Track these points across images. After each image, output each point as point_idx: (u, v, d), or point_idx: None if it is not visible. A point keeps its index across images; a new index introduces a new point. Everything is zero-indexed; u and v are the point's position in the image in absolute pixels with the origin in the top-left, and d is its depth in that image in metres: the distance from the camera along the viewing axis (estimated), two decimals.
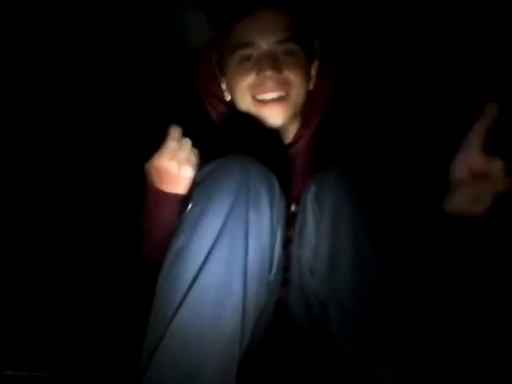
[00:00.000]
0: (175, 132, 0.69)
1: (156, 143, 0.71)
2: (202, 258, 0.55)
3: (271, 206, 0.61)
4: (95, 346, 0.76)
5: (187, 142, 0.70)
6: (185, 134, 0.71)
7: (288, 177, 0.81)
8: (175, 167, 0.69)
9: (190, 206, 0.61)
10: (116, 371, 0.69)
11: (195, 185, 0.65)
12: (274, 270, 0.65)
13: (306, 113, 0.86)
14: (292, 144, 0.85)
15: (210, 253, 0.55)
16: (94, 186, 1.03)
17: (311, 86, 0.85)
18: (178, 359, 0.52)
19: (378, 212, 0.61)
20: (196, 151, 0.71)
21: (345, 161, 0.71)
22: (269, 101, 0.78)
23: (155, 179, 0.72)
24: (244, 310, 0.56)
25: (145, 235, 0.78)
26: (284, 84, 0.78)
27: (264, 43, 0.77)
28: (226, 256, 0.56)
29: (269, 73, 0.76)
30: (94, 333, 0.79)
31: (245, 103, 0.81)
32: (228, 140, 0.82)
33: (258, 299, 0.60)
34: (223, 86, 0.86)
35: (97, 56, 1.09)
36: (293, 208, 0.79)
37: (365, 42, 1.11)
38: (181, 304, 0.54)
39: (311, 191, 0.65)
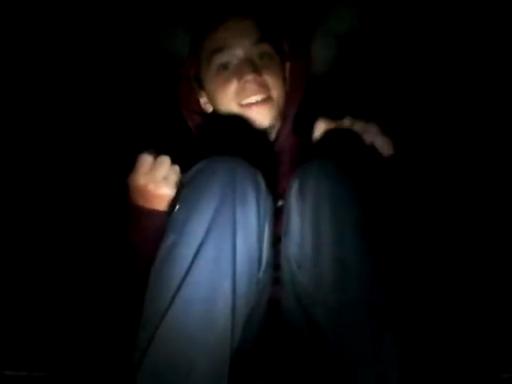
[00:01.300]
0: (149, 151, 0.69)
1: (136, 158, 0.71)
2: (190, 257, 0.56)
3: (258, 203, 0.61)
4: (94, 346, 0.76)
5: (165, 160, 0.69)
6: (168, 149, 0.71)
7: (275, 173, 0.82)
8: (152, 186, 0.69)
9: (177, 207, 0.61)
10: (115, 371, 0.70)
11: (182, 186, 0.65)
12: (264, 267, 0.66)
13: (283, 111, 0.88)
14: (275, 141, 0.88)
15: (198, 252, 0.56)
16: (87, 188, 1.03)
17: (287, 87, 0.87)
18: (170, 357, 0.52)
19: (358, 201, 0.62)
20: (177, 168, 0.70)
21: (326, 154, 0.70)
22: (254, 103, 0.80)
23: (133, 196, 0.72)
24: (234, 307, 0.56)
25: (132, 247, 0.78)
26: (265, 86, 0.80)
27: (239, 47, 0.80)
28: (214, 254, 0.56)
29: (250, 77, 0.78)
30: (93, 333, 0.79)
31: (231, 111, 0.83)
32: (213, 148, 0.82)
33: (248, 296, 0.60)
34: (203, 100, 0.88)
35: (84, 64, 1.09)
36: (280, 203, 0.79)
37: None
38: (171, 303, 0.54)
39: (294, 186, 0.66)
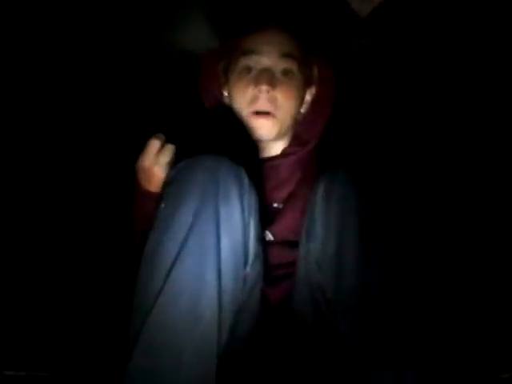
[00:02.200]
0: (158, 137, 0.74)
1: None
2: (175, 252, 0.57)
3: (241, 199, 0.63)
4: (94, 346, 0.76)
5: (171, 147, 0.74)
6: (173, 137, 0.74)
7: (273, 180, 0.85)
8: (155, 169, 0.73)
9: (162, 204, 0.63)
10: (115, 371, 0.69)
11: (166, 184, 0.67)
12: (251, 262, 0.66)
13: (302, 133, 0.90)
14: (279, 157, 0.88)
15: (182, 247, 0.57)
16: (84, 182, 1.04)
17: (303, 109, 0.89)
18: (157, 349, 0.53)
19: (382, 212, 0.65)
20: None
21: (349, 165, 0.74)
22: (258, 114, 0.82)
23: (140, 178, 0.77)
24: (220, 301, 0.57)
25: (135, 225, 0.82)
26: (273, 102, 0.81)
27: (267, 55, 0.82)
28: (198, 250, 0.58)
29: (264, 88, 0.80)
30: (93, 333, 0.79)
31: (242, 116, 0.84)
32: (216, 141, 0.85)
33: (235, 291, 0.61)
34: (225, 92, 0.90)
35: (93, 56, 1.10)
36: (275, 205, 0.84)
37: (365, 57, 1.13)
38: (156, 300, 0.55)
39: (320, 189, 0.68)
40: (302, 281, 0.73)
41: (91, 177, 1.04)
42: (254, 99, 0.81)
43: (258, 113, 0.82)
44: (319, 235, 0.68)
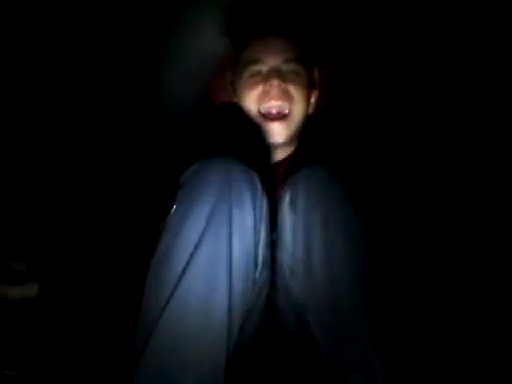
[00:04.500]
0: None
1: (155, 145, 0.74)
2: (186, 256, 0.57)
3: (254, 204, 0.63)
4: (94, 346, 0.76)
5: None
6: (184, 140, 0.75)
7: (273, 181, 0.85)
8: None
9: (174, 207, 0.62)
10: (115, 371, 0.70)
11: (179, 187, 0.66)
12: (260, 267, 0.67)
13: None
14: (284, 161, 0.90)
15: (194, 251, 0.57)
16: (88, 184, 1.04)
17: (310, 110, 0.91)
18: (166, 355, 0.53)
19: (347, 207, 0.64)
20: None
21: (314, 161, 0.73)
22: (273, 117, 0.83)
23: None
24: (230, 305, 0.57)
25: None
26: (287, 95, 0.84)
27: (271, 60, 0.86)
28: (210, 254, 0.57)
29: (275, 82, 0.82)
30: (93, 333, 0.79)
31: (250, 112, 0.86)
32: (226, 145, 0.85)
33: (245, 296, 0.61)
34: (234, 99, 0.92)
35: (100, 56, 1.10)
36: None
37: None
38: (168, 302, 0.55)
39: (286, 196, 0.68)
40: (281, 287, 0.72)
41: (91, 177, 1.04)
42: (264, 95, 0.83)
43: (270, 117, 0.83)
44: (289, 243, 0.68)
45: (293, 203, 0.66)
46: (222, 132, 0.89)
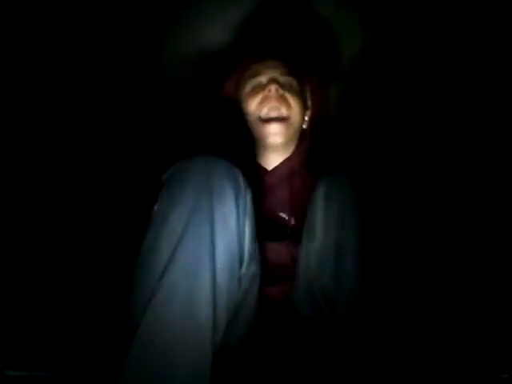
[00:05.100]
0: None
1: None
2: (169, 253, 0.57)
3: (236, 199, 0.63)
4: (95, 346, 0.76)
5: None
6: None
7: (277, 190, 0.89)
8: None
9: (156, 205, 0.63)
10: (115, 371, 0.69)
11: (162, 185, 0.67)
12: (246, 262, 0.67)
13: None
14: (278, 167, 0.92)
15: (176, 248, 0.57)
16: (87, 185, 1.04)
17: (305, 125, 0.94)
18: (153, 349, 0.53)
19: (380, 214, 0.67)
20: None
21: (348, 169, 0.79)
22: (272, 119, 0.87)
23: None
24: (215, 302, 0.57)
25: None
26: (285, 101, 0.88)
27: (270, 73, 0.91)
28: (192, 250, 0.58)
29: (273, 87, 0.87)
30: (94, 333, 0.79)
31: (251, 122, 0.90)
32: (218, 144, 0.90)
33: (230, 290, 0.62)
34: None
35: (98, 56, 1.10)
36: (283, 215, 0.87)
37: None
38: (152, 298, 0.55)
39: (320, 192, 0.70)
40: (302, 280, 0.74)
41: (91, 177, 1.04)
42: (263, 101, 0.88)
43: (269, 120, 0.87)
44: (319, 235, 0.69)
45: (327, 198, 0.69)
46: (216, 133, 0.94)
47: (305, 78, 0.96)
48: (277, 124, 0.87)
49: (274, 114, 0.87)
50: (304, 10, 1.13)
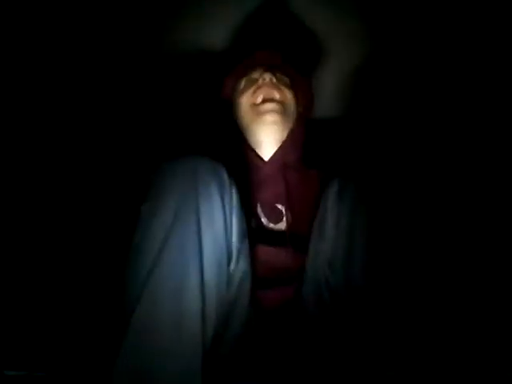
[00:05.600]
0: None
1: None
2: (156, 251, 0.58)
3: (222, 197, 0.64)
4: (94, 346, 0.76)
5: None
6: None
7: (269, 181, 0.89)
8: None
9: (144, 205, 0.64)
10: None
11: (148, 185, 0.67)
12: (235, 259, 0.67)
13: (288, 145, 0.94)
14: (269, 160, 0.92)
15: (163, 246, 0.58)
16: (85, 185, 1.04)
17: (294, 120, 0.95)
18: (143, 346, 0.54)
19: (392, 216, 0.69)
20: None
21: (360, 171, 0.79)
22: (266, 100, 0.89)
23: None
24: (203, 296, 0.58)
25: None
26: (278, 89, 0.91)
27: (263, 68, 0.94)
28: (179, 246, 0.58)
29: (267, 76, 0.90)
30: (93, 333, 0.79)
31: (245, 112, 0.92)
32: (207, 144, 0.93)
33: (219, 288, 0.62)
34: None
35: (97, 56, 1.11)
36: (279, 206, 0.87)
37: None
38: (140, 296, 0.56)
39: (332, 193, 0.73)
40: (310, 279, 0.75)
41: (91, 177, 1.04)
42: (258, 88, 0.90)
43: (264, 101, 0.89)
44: (330, 236, 0.71)
45: (339, 200, 0.71)
46: (204, 132, 0.97)
47: (296, 81, 0.98)
48: (271, 103, 0.89)
49: (268, 97, 0.89)
50: (300, 13, 1.14)
